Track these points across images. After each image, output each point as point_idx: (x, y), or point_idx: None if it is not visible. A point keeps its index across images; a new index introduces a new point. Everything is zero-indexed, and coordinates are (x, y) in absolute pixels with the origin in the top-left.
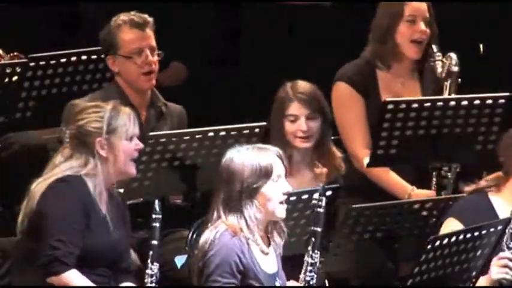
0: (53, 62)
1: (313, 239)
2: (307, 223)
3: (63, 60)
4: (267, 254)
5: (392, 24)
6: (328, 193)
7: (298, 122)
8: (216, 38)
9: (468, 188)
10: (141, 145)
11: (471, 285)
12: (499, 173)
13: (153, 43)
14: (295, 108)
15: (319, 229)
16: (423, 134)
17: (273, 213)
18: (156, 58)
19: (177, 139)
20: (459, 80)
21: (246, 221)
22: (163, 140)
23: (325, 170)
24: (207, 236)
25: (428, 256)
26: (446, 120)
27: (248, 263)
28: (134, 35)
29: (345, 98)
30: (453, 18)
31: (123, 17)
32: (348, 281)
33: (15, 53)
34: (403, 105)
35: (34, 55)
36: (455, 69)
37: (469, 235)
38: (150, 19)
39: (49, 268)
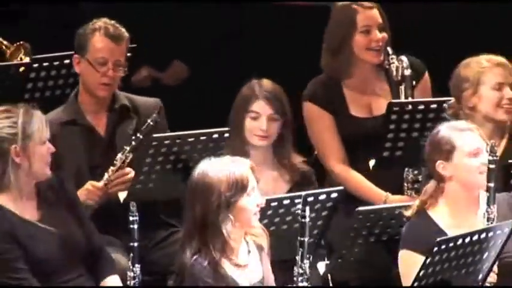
0: (56, 63)
1: (301, 249)
2: (289, 228)
3: (67, 61)
4: (244, 266)
5: (345, 36)
6: (334, 195)
7: (260, 120)
8: (217, 37)
9: (407, 212)
10: (53, 148)
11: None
12: (431, 184)
13: (121, 59)
14: (259, 105)
15: (306, 239)
16: (428, 135)
17: (248, 224)
18: (119, 74)
19: (181, 141)
20: (413, 82)
21: (222, 235)
22: (167, 142)
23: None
24: (180, 262)
25: (434, 259)
26: (429, 123)
27: (220, 283)
28: (104, 45)
29: (313, 117)
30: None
31: (101, 23)
32: (352, 284)
33: (21, 42)
34: (409, 107)
35: (37, 56)
36: (408, 72)
37: (475, 237)
38: (126, 35)
39: None
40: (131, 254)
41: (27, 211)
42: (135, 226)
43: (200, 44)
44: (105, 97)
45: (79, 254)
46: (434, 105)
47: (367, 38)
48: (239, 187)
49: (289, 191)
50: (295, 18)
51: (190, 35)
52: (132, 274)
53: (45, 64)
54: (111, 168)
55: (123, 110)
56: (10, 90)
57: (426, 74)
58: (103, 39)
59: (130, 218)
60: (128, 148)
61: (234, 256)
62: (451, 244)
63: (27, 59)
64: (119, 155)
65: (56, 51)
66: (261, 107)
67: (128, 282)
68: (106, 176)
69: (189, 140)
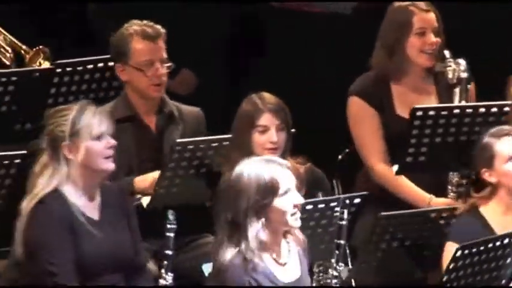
0: (79, 68)
1: (336, 252)
2: (324, 232)
3: (90, 66)
4: (284, 264)
5: (401, 37)
6: (357, 201)
7: (269, 133)
8: (225, 45)
9: (459, 209)
10: (112, 142)
11: None
12: (487, 189)
13: (164, 55)
14: (266, 119)
15: (342, 242)
16: (452, 141)
17: (287, 224)
18: (165, 70)
19: (204, 146)
20: (468, 86)
21: (250, 240)
22: (191, 147)
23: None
24: (218, 260)
25: (457, 264)
26: (476, 128)
27: (262, 281)
28: (146, 47)
29: (359, 112)
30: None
31: (135, 26)
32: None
33: (40, 47)
34: (432, 112)
35: (61, 61)
36: (464, 75)
37: (498, 243)
38: (163, 30)
39: None
40: (165, 262)
41: (88, 208)
42: (172, 234)
43: (208, 52)
44: (159, 97)
45: (124, 265)
46: (457, 111)
47: (421, 40)
48: (269, 190)
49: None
50: (314, 26)
51: (199, 43)
52: (164, 282)
53: (68, 69)
54: None
55: (171, 115)
56: (33, 95)
57: (473, 84)
58: (143, 42)
59: (168, 226)
60: None
61: (274, 253)
62: (474, 249)
63: (46, 64)
64: None
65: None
66: (267, 120)
67: None
68: None
69: (213, 145)
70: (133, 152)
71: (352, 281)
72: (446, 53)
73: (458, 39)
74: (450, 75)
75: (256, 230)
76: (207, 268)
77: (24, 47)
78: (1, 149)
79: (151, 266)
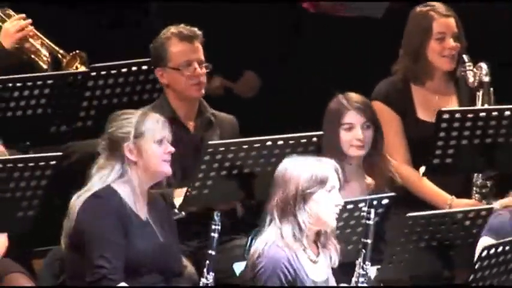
0: (114, 71)
1: (363, 251)
2: (353, 233)
3: (124, 70)
4: (315, 262)
5: (422, 42)
6: (385, 201)
7: (354, 131)
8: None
9: (497, 204)
10: (171, 148)
11: None
12: None
13: (201, 56)
14: (351, 116)
15: (369, 241)
16: (478, 143)
17: (324, 222)
18: (204, 70)
19: (235, 148)
20: (491, 89)
21: (298, 225)
22: (222, 149)
23: (373, 181)
24: (256, 246)
25: (483, 264)
26: (502, 130)
27: (295, 272)
28: (183, 48)
29: (381, 116)
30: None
31: (172, 29)
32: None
33: (77, 51)
34: (458, 115)
35: (96, 65)
36: (486, 79)
37: None
38: (199, 32)
39: (99, 286)
40: (207, 262)
41: (139, 208)
42: (216, 235)
43: (271, 55)
44: (199, 97)
45: (165, 266)
46: (483, 114)
47: (441, 45)
48: (318, 180)
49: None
50: (345, 30)
51: (263, 46)
52: (205, 281)
53: (103, 73)
54: None
55: (210, 121)
56: (69, 98)
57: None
58: (180, 43)
59: (213, 227)
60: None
61: (309, 250)
62: (500, 249)
63: (82, 68)
64: None
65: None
66: (353, 118)
67: None
68: None
69: (244, 147)
70: (176, 153)
71: (381, 279)
72: (465, 57)
73: (478, 42)
74: (471, 79)
75: (303, 216)
76: (238, 267)
77: (61, 51)
78: (37, 150)
79: (190, 268)
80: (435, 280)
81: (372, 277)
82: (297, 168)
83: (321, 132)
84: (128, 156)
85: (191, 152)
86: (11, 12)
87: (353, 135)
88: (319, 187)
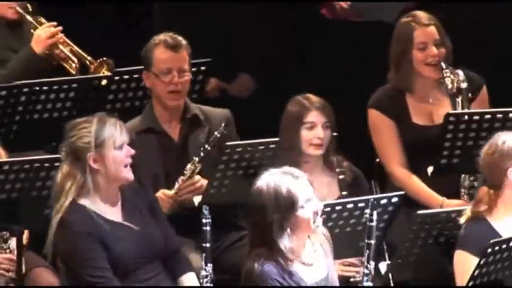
0: (136, 75)
1: (367, 251)
2: (353, 231)
3: None
4: (310, 264)
5: (404, 51)
6: (395, 200)
7: (315, 130)
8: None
9: (463, 218)
10: (132, 151)
11: None
12: (484, 190)
13: (184, 65)
14: (313, 116)
15: (372, 242)
16: (484, 144)
17: (308, 230)
18: (184, 79)
19: (252, 149)
20: (469, 94)
21: (278, 248)
22: (239, 149)
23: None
24: (247, 265)
25: (487, 259)
26: (493, 132)
27: (289, 282)
28: (166, 56)
29: (377, 123)
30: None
31: (161, 36)
32: (411, 283)
33: (104, 59)
34: (465, 117)
35: (119, 69)
36: (464, 85)
37: None
38: (185, 42)
39: None
40: (204, 254)
41: (111, 213)
42: (208, 228)
43: (266, 57)
44: (177, 106)
45: (157, 254)
46: (488, 116)
47: (424, 53)
48: (287, 205)
49: (342, 194)
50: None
51: (257, 48)
52: (204, 273)
53: (125, 77)
54: (181, 177)
55: (195, 120)
56: (94, 101)
57: (484, 88)
58: (164, 51)
59: (203, 221)
60: (197, 159)
61: (300, 256)
62: (504, 245)
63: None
64: (189, 165)
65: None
66: (315, 117)
67: (201, 281)
68: (177, 185)
69: (260, 147)
70: (158, 163)
71: (390, 275)
72: (443, 64)
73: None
74: (449, 86)
75: (284, 240)
76: None
77: (89, 58)
78: None
79: (193, 259)
80: (441, 275)
81: (383, 272)
82: (265, 197)
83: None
84: (92, 165)
85: (173, 158)
86: (43, 20)
87: (314, 134)
88: (292, 210)
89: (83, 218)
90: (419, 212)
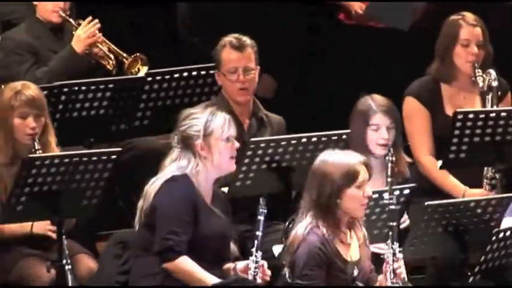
0: (167, 77)
1: (390, 233)
2: (378, 219)
3: (177, 75)
4: (348, 244)
5: (449, 46)
6: (406, 191)
7: (380, 131)
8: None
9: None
10: (237, 144)
11: None
12: None
13: (249, 64)
14: (378, 118)
15: (395, 224)
16: (489, 140)
17: (355, 212)
18: (250, 76)
19: (274, 144)
20: (499, 92)
21: (331, 216)
22: (263, 145)
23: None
24: (295, 233)
25: (493, 246)
26: (510, 129)
27: (330, 255)
28: (232, 56)
29: (413, 111)
30: None
31: (228, 38)
32: (423, 268)
33: (137, 54)
34: (472, 115)
35: (151, 71)
36: (495, 83)
37: None
38: (250, 41)
39: (164, 256)
40: (256, 242)
41: (207, 198)
42: (262, 217)
43: (287, 58)
44: (246, 101)
45: (223, 249)
46: (493, 114)
47: (466, 50)
48: (350, 178)
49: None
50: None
51: (279, 49)
52: (255, 258)
53: (157, 78)
54: None
55: (263, 120)
56: (127, 100)
57: (509, 93)
58: (230, 52)
59: (260, 210)
60: None
61: (342, 234)
62: (508, 233)
63: (144, 69)
64: None
65: None
66: (380, 119)
67: (250, 266)
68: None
69: (282, 143)
70: None
71: (403, 260)
72: (475, 64)
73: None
74: (480, 84)
75: (337, 210)
76: (276, 249)
77: (124, 54)
78: (100, 146)
79: (233, 249)
80: (451, 261)
81: None
82: (331, 165)
83: (349, 131)
84: (200, 152)
85: (241, 148)
86: (82, 22)
87: (379, 135)
88: (351, 184)
89: (189, 187)
90: (430, 202)
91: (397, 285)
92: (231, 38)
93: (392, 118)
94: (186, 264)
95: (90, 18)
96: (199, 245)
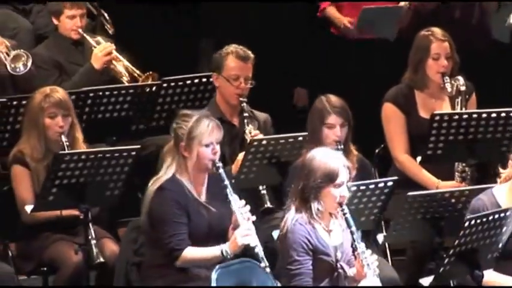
0: (180, 83)
1: (354, 236)
2: (365, 208)
3: (189, 82)
4: (330, 230)
5: (422, 59)
6: (390, 183)
7: (334, 129)
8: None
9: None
10: (218, 149)
11: (497, 254)
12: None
13: (249, 73)
14: (332, 118)
15: (353, 228)
16: (462, 138)
17: (330, 208)
18: (248, 86)
19: (274, 142)
20: (467, 96)
21: (311, 209)
22: (264, 143)
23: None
24: (284, 223)
25: (465, 232)
26: (480, 128)
27: (314, 241)
28: (236, 65)
29: (390, 114)
30: None
31: (233, 47)
32: (404, 251)
33: (150, 72)
34: (447, 117)
35: (166, 78)
36: (463, 88)
37: (496, 216)
38: (252, 55)
39: (171, 255)
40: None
41: (197, 192)
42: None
43: (319, 72)
44: (237, 105)
45: (222, 233)
46: (465, 116)
47: (437, 63)
48: (330, 177)
49: (355, 176)
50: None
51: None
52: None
53: (172, 84)
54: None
55: (249, 116)
56: (146, 103)
57: (474, 94)
58: (235, 60)
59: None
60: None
61: (324, 222)
62: (479, 221)
63: None
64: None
65: None
66: (334, 119)
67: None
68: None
69: (281, 141)
70: (226, 146)
71: (386, 244)
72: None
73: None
74: (449, 89)
75: (315, 203)
76: (275, 234)
77: (138, 72)
78: (121, 144)
79: None
80: (429, 244)
81: (380, 242)
82: (317, 163)
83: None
84: (183, 152)
85: (237, 141)
86: (100, 40)
87: (333, 132)
88: (330, 183)
89: (177, 189)
90: (410, 193)
91: (371, 274)
92: (236, 48)
93: (344, 118)
94: (190, 254)
95: (109, 43)
96: (200, 236)
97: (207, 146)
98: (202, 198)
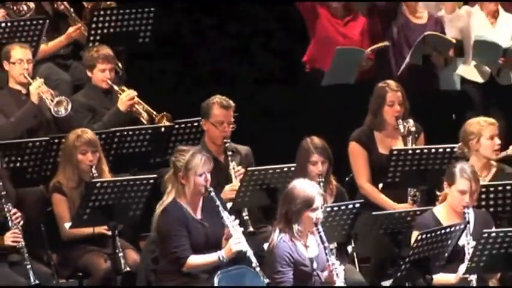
0: (189, 124)
1: (327, 250)
2: (337, 225)
3: (196, 124)
4: (308, 246)
5: (379, 106)
6: (357, 205)
7: (317, 166)
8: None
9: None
10: (208, 178)
11: (444, 262)
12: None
13: (231, 119)
14: (315, 157)
15: (326, 244)
16: (415, 169)
17: (307, 228)
18: (230, 128)
19: (264, 172)
20: (416, 135)
21: (293, 230)
22: (256, 172)
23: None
24: (271, 240)
25: (419, 243)
26: (430, 161)
27: (295, 255)
28: (221, 112)
29: (355, 151)
30: None
31: (217, 98)
32: (369, 259)
33: (164, 113)
34: (403, 152)
35: (178, 120)
36: (413, 129)
37: (443, 231)
38: (233, 104)
39: (178, 263)
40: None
41: (195, 212)
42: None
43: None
44: (222, 144)
45: (216, 243)
46: (418, 151)
47: (392, 109)
48: (308, 203)
49: (333, 201)
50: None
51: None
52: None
53: (182, 125)
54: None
55: (232, 151)
56: (161, 141)
57: (422, 134)
58: (219, 108)
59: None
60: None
61: (303, 239)
62: (429, 234)
63: (168, 123)
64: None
65: None
66: (316, 158)
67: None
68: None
69: (270, 171)
70: (213, 178)
71: (355, 254)
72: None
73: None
74: (402, 130)
75: (295, 225)
76: (266, 246)
77: (154, 112)
78: (141, 173)
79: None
80: (389, 254)
81: (349, 252)
82: (297, 191)
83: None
84: (181, 181)
85: (222, 174)
86: (125, 88)
87: (316, 168)
88: (307, 208)
89: (178, 210)
90: (374, 213)
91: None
92: (220, 98)
93: (325, 156)
94: (193, 260)
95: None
96: (197, 248)
97: (200, 175)
98: (198, 216)
